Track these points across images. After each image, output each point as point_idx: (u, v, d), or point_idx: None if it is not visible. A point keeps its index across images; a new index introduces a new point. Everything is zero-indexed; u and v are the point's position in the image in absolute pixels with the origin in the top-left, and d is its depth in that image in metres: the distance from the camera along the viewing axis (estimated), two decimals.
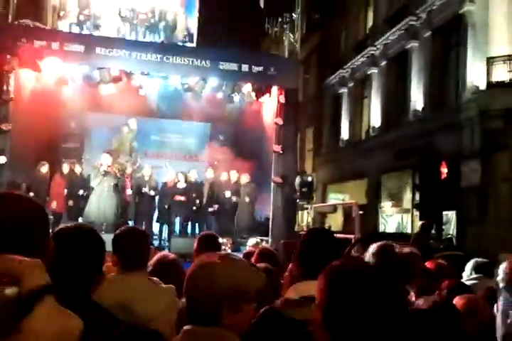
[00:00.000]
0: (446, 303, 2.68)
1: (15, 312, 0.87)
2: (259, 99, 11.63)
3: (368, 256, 2.69)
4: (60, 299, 1.04)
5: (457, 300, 2.88)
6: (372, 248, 2.66)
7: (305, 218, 12.83)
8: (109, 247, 2.72)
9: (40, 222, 1.21)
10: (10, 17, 9.50)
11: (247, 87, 11.42)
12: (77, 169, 10.27)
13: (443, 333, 2.01)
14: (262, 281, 1.53)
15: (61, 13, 12.53)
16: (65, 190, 9.90)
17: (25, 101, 9.37)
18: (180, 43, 13.31)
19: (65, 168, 10.14)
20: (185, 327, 1.42)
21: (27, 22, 9.74)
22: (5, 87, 9.02)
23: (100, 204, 9.47)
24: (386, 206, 15.80)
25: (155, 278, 2.62)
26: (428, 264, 3.68)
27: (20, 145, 9.21)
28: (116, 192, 9.72)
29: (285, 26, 12.94)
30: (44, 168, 9.81)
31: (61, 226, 1.79)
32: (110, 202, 9.55)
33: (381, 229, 15.37)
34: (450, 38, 13.83)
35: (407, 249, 3.17)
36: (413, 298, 2.74)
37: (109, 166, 9.64)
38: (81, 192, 9.92)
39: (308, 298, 1.85)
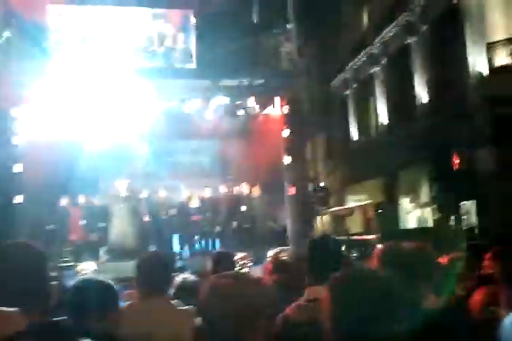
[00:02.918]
0: (460, 301, 2.70)
1: None
2: (264, 112, 11.75)
3: (375, 259, 2.71)
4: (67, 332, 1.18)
5: (477, 293, 2.87)
6: (376, 252, 2.66)
7: (323, 223, 12.87)
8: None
9: (37, 270, 1.35)
10: (13, 61, 9.81)
11: (251, 101, 11.55)
12: (94, 199, 10.50)
13: (452, 332, 2.00)
14: (273, 296, 1.59)
15: (61, 49, 12.82)
16: (84, 221, 10.12)
17: (35, 140, 9.60)
18: (180, 65, 13.55)
19: (82, 199, 10.38)
20: None
21: (29, 63, 10.01)
22: (14, 130, 9.31)
23: (123, 230, 9.62)
24: (405, 202, 15.73)
25: (175, 301, 2.73)
26: (442, 259, 3.68)
27: (36, 184, 9.43)
28: (136, 217, 9.89)
29: (281, 37, 13.06)
30: (64, 201, 10.07)
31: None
32: (132, 227, 9.71)
33: (402, 225, 15.29)
34: (448, 29, 13.82)
35: (414, 245, 3.15)
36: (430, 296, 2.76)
37: (127, 192, 9.84)
38: (100, 222, 10.12)
39: (313, 300, 2.09)
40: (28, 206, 9.33)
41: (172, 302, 2.70)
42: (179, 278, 3.37)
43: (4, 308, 0.98)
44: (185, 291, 3.07)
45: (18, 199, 9.07)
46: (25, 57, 10.13)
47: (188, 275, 3.60)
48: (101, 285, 2.10)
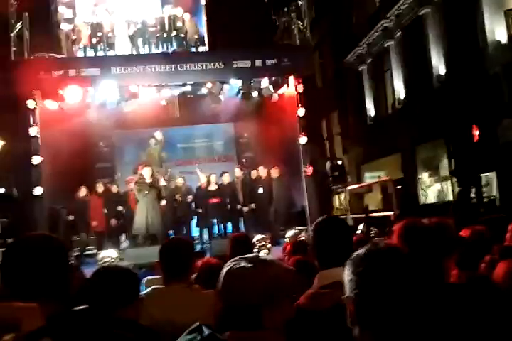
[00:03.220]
0: (483, 278, 2.65)
1: None
2: (278, 92, 11.63)
3: (395, 236, 2.66)
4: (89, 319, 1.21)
5: (500, 265, 2.84)
6: (396, 228, 2.60)
7: (341, 201, 12.82)
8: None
9: (57, 261, 1.37)
10: (26, 53, 9.86)
11: (265, 82, 11.44)
12: (113, 188, 10.60)
13: (478, 308, 1.93)
14: (294, 276, 1.58)
15: (73, 38, 12.85)
16: (104, 210, 10.24)
17: (52, 131, 9.68)
18: (193, 48, 13.48)
19: (100, 188, 10.49)
20: (230, 333, 1.42)
21: (43, 54, 10.05)
22: (31, 122, 9.38)
23: (148, 217, 9.67)
24: (424, 177, 15.58)
25: (196, 286, 2.77)
26: (463, 232, 3.62)
27: (55, 174, 9.55)
28: (158, 203, 10.00)
29: (292, 15, 12.84)
30: (82, 192, 10.18)
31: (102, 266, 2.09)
32: (156, 213, 9.81)
33: (422, 200, 15.15)
34: None
35: (434, 220, 3.08)
36: (454, 272, 2.72)
37: (151, 178, 9.92)
38: (120, 208, 10.24)
39: (329, 285, 1.98)
40: (47, 197, 9.44)
41: (194, 286, 2.74)
42: (200, 262, 3.41)
43: (22, 304, 0.99)
44: (207, 275, 3.11)
45: (37, 190, 9.18)
46: (38, 48, 10.18)
47: (209, 259, 3.64)
48: (121, 273, 2.12)
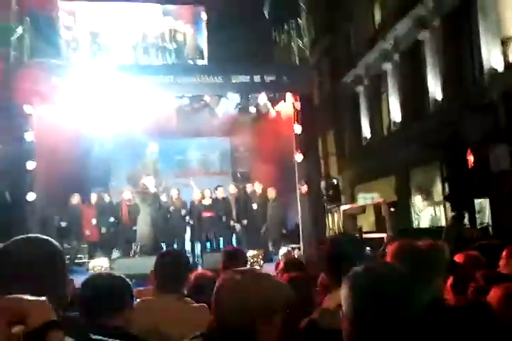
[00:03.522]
0: (478, 301, 2.63)
1: None
2: (275, 108, 11.70)
3: (389, 257, 2.64)
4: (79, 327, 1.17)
5: (494, 290, 2.81)
6: (390, 249, 2.57)
7: (335, 221, 12.79)
8: None
9: (55, 264, 1.33)
10: (25, 57, 9.88)
11: (262, 98, 11.51)
12: (106, 197, 10.52)
13: (475, 331, 1.93)
14: (288, 292, 1.55)
15: (73, 45, 12.89)
16: (96, 220, 10.16)
17: (48, 137, 9.64)
18: (191, 61, 13.57)
19: (93, 197, 10.41)
20: None
21: (42, 60, 10.07)
22: (27, 127, 9.34)
23: (154, 227, 9.62)
24: (417, 200, 15.61)
25: (187, 299, 2.72)
26: (457, 257, 3.61)
27: (48, 181, 9.49)
28: (162, 213, 9.93)
29: (292, 32, 12.99)
30: (74, 199, 10.10)
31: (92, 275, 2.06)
32: (162, 223, 9.76)
33: (415, 224, 15.16)
34: (461, 23, 13.67)
35: (429, 243, 3.08)
36: (447, 295, 2.70)
37: (154, 189, 9.84)
38: (112, 219, 10.17)
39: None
40: (39, 202, 9.36)
41: (185, 299, 2.70)
42: (194, 275, 3.37)
43: (34, 297, 0.96)
44: (202, 287, 3.07)
45: (31, 196, 9.10)
46: (38, 54, 10.20)
47: (205, 271, 3.60)
48: (114, 281, 2.08)
